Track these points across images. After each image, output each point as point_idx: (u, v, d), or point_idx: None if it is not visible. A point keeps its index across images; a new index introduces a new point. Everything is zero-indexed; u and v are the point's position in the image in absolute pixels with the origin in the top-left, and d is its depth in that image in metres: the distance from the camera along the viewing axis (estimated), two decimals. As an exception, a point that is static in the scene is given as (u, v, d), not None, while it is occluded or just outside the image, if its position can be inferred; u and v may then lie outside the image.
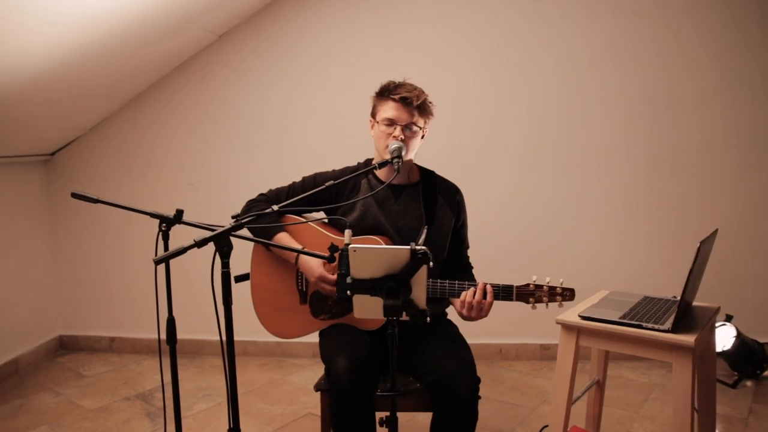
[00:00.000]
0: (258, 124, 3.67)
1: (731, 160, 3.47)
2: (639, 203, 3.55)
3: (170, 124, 3.72)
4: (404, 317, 1.57)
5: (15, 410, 3.03)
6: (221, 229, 1.66)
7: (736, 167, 3.47)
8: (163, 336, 1.94)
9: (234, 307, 1.71)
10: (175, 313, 1.93)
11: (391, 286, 1.52)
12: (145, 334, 3.84)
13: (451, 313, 2.21)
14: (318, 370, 3.49)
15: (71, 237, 3.84)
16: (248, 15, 3.52)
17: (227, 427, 1.78)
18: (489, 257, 3.50)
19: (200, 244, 1.65)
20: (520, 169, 3.59)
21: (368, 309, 1.59)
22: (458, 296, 1.94)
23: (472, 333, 3.70)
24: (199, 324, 3.55)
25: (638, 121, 3.49)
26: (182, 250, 1.65)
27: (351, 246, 1.49)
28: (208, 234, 1.67)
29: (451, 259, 2.18)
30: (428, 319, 1.59)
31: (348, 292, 1.55)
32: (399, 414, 1.66)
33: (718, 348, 3.35)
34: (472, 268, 2.24)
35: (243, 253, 2.23)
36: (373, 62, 3.53)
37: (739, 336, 3.29)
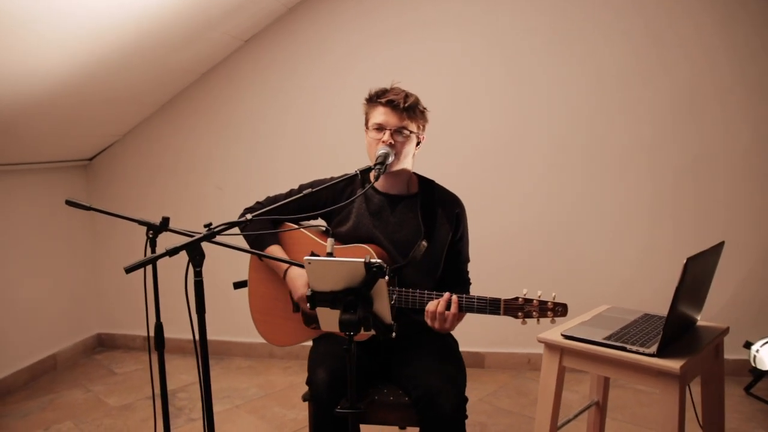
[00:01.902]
0: (283, 127, 3.69)
1: (763, 168, 3.24)
2: (662, 213, 3.37)
3: (200, 128, 3.80)
4: (368, 332, 1.52)
5: (45, 405, 3.17)
6: (192, 239, 1.66)
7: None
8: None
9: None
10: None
11: (350, 299, 1.47)
12: (176, 334, 3.91)
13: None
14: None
15: (110, 237, 3.98)
16: (272, 19, 3.54)
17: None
18: (504, 265, 3.42)
19: (171, 252, 1.65)
20: (540, 175, 3.47)
21: (332, 322, 1.54)
22: (422, 306, 1.88)
23: (501, 342, 3.62)
24: (228, 326, 3.64)
25: (664, 127, 3.32)
26: (153, 259, 1.67)
27: (306, 258, 1.45)
28: (181, 243, 1.67)
29: (448, 274, 2.10)
30: (394, 334, 1.54)
31: (308, 305, 1.51)
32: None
33: (766, 366, 3.10)
34: (469, 284, 2.15)
35: (244, 260, 2.23)
36: (397, 66, 3.48)
37: (788, 353, 3.04)
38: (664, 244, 3.37)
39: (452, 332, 2.15)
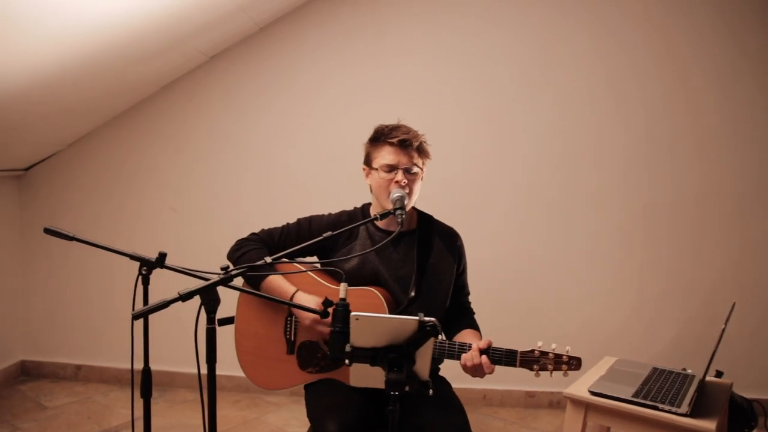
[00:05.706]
0: (247, 150, 3.53)
1: (731, 212, 3.38)
2: (631, 255, 3.43)
3: (155, 145, 3.57)
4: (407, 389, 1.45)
5: (-32, 446, 2.83)
6: (208, 282, 1.53)
7: (735, 219, 3.38)
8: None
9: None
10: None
11: (393, 357, 1.40)
12: (112, 363, 3.64)
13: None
14: (295, 410, 3.35)
15: (42, 256, 3.64)
16: (242, 38, 3.40)
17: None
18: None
19: (185, 297, 1.51)
20: (509, 213, 3.48)
21: (366, 378, 1.46)
22: (457, 358, 1.85)
23: (456, 377, 3.58)
24: (172, 354, 3.38)
25: (637, 167, 3.41)
26: (164, 304, 1.52)
27: (353, 314, 1.37)
28: (194, 286, 1.53)
29: (453, 307, 2.08)
30: (431, 391, 1.48)
31: (347, 361, 1.42)
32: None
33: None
34: (473, 314, 2.14)
35: (229, 294, 2.08)
36: (368, 92, 3.43)
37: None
38: (631, 285, 3.44)
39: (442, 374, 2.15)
